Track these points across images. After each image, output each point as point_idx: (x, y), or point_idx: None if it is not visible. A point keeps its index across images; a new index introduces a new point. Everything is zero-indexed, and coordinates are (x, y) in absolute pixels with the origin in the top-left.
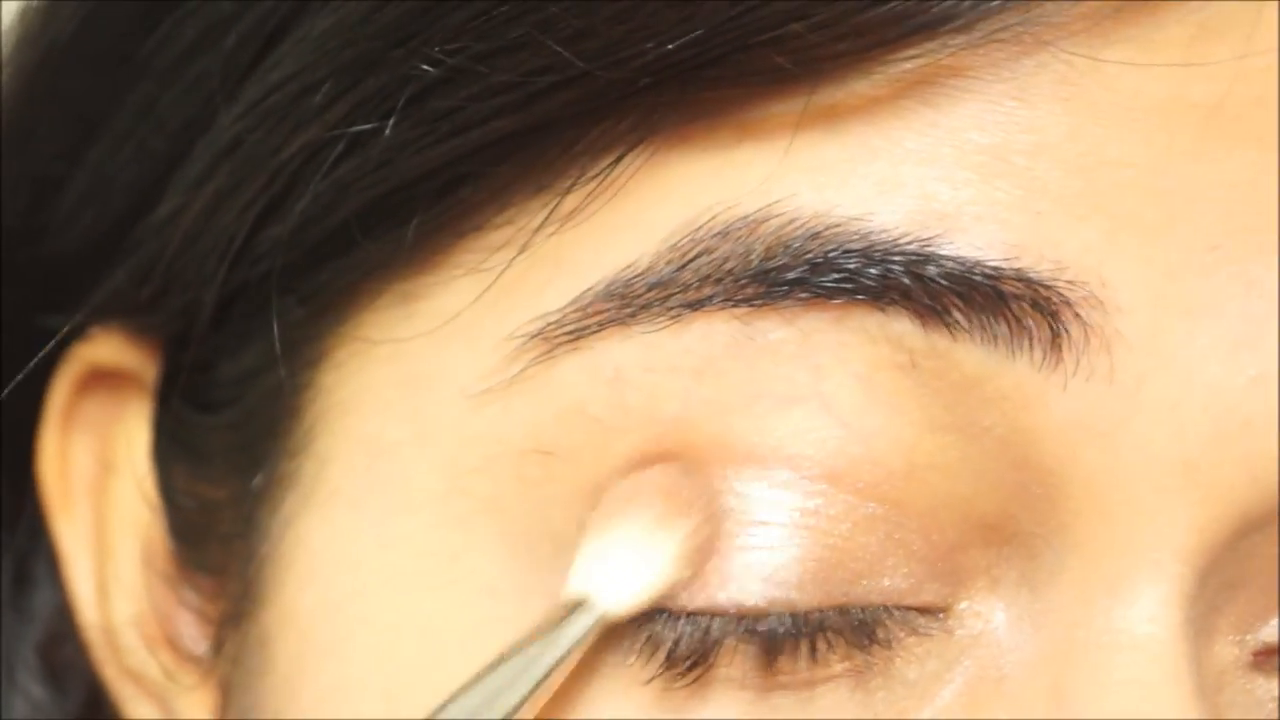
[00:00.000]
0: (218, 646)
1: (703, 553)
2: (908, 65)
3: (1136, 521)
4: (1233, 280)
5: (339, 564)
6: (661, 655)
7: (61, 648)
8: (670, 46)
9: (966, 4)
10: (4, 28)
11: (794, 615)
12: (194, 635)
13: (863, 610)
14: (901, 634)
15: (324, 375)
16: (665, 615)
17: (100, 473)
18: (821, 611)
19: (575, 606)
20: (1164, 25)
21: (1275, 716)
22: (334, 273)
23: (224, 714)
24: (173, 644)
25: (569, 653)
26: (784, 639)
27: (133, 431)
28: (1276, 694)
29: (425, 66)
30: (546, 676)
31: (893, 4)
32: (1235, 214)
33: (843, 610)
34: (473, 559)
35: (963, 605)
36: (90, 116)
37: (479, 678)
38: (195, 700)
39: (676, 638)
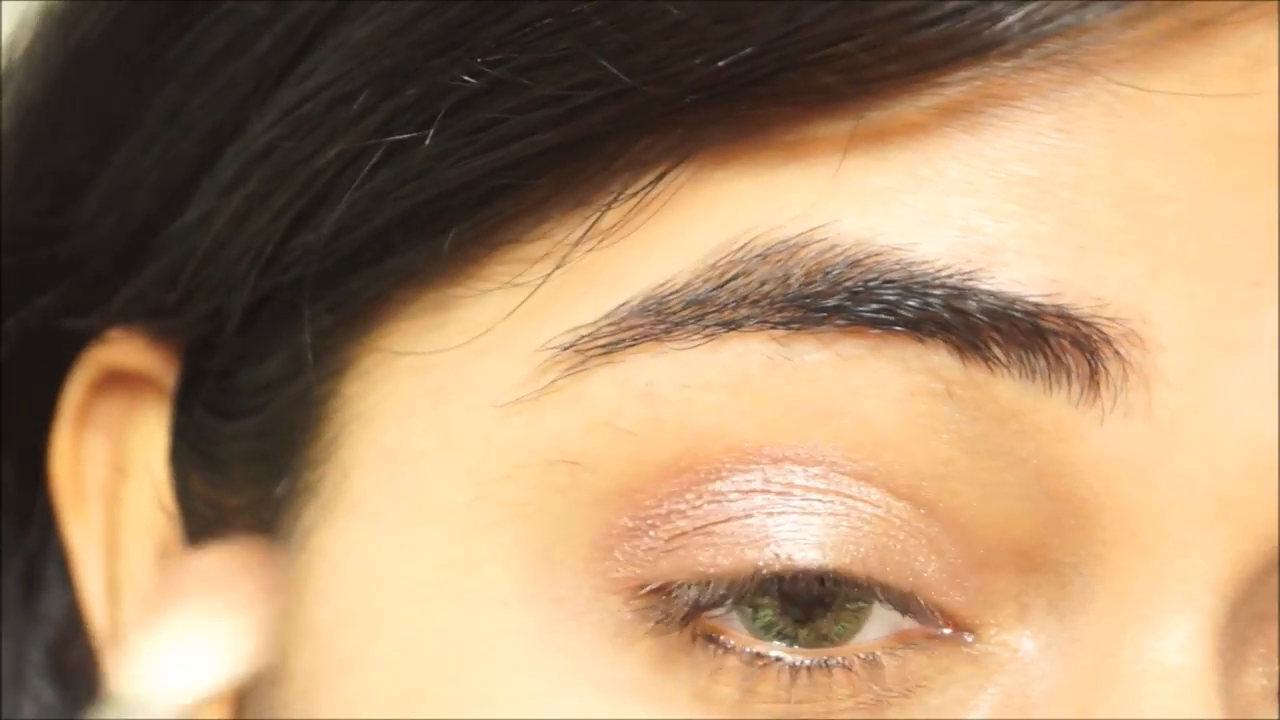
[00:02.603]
0: None
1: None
2: (955, 90)
3: (1170, 554)
4: (1273, 317)
5: (358, 575)
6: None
7: (71, 649)
8: (719, 64)
9: (1016, 29)
10: (4, 30)
11: (824, 576)
12: None
13: (888, 592)
14: (926, 657)
15: (348, 385)
16: (687, 585)
17: (113, 474)
18: (852, 577)
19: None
20: (1213, 55)
21: None
22: (365, 281)
23: None
24: None
25: None
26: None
27: (148, 435)
28: None
29: (466, 78)
30: None
31: (943, 26)
32: (1277, 250)
33: (878, 584)
34: (491, 569)
35: (991, 631)
36: (116, 118)
37: None
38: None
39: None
